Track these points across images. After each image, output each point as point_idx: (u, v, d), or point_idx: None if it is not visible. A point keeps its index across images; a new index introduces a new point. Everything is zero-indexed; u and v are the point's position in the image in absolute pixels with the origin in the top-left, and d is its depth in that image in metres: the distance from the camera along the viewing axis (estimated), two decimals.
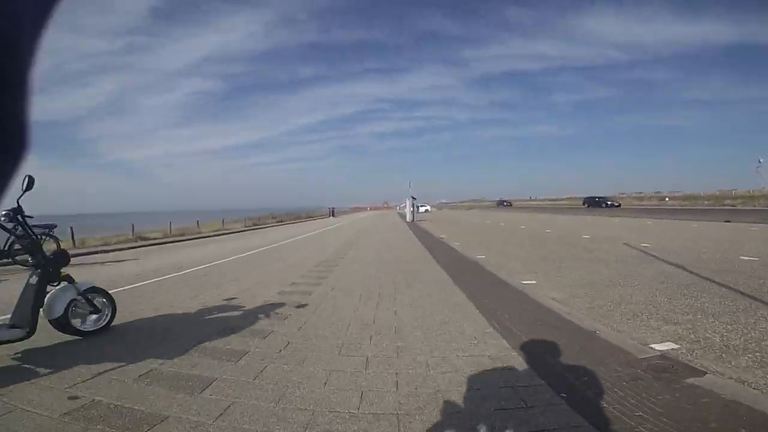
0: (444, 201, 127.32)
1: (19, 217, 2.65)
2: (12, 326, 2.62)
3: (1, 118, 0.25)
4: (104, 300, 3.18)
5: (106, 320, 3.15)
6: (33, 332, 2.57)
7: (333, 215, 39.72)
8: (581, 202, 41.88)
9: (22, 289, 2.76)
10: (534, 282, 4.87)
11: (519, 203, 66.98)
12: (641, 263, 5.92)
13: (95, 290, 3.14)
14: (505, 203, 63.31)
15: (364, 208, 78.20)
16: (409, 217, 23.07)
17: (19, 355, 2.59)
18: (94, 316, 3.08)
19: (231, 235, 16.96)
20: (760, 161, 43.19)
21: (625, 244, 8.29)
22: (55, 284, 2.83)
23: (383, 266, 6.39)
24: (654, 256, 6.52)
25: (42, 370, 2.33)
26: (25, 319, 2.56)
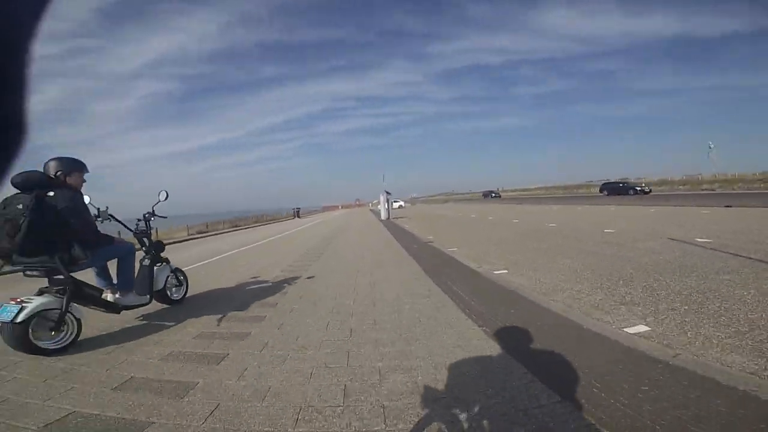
0: (415, 195, 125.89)
1: (148, 216, 3.80)
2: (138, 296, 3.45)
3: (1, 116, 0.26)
4: (182, 277, 4.16)
5: (184, 292, 4.16)
6: (151, 300, 3.53)
7: (298, 216, 36.08)
8: (598, 190, 35.65)
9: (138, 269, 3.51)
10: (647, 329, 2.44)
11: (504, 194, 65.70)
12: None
13: (178, 270, 4.11)
14: (493, 194, 58.92)
15: (336, 207, 75.30)
16: (384, 215, 20.33)
17: (141, 317, 3.53)
18: (177, 288, 4.09)
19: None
20: (710, 147, 44.22)
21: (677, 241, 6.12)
22: (158, 264, 3.72)
23: (362, 314, 3.28)
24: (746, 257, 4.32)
25: (153, 325, 3.30)
26: (145, 291, 3.44)
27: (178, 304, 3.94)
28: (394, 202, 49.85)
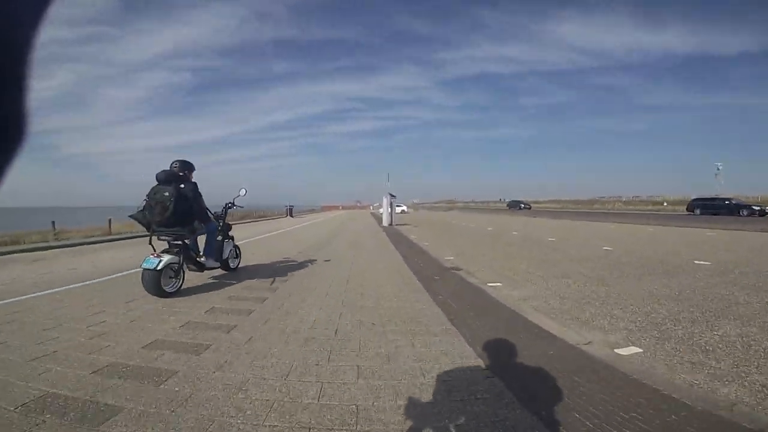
0: (417, 201, 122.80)
1: (229, 206, 5.30)
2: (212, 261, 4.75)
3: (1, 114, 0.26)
4: (239, 251, 5.63)
5: (238, 263, 5.61)
6: (221, 266, 4.95)
7: (291, 215, 32.79)
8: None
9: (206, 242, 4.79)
10: None
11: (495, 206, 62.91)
12: None
13: (237, 246, 5.54)
14: (522, 205, 47.95)
15: (335, 207, 71.76)
16: (386, 220, 17.62)
17: (212, 277, 4.98)
18: (234, 260, 5.46)
19: (117, 243, 10.83)
20: (718, 169, 44.97)
21: None
22: (225, 240, 5.03)
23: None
24: None
25: (221, 282, 4.73)
26: (218, 258, 4.81)
27: (233, 271, 5.42)
28: (397, 206, 46.12)
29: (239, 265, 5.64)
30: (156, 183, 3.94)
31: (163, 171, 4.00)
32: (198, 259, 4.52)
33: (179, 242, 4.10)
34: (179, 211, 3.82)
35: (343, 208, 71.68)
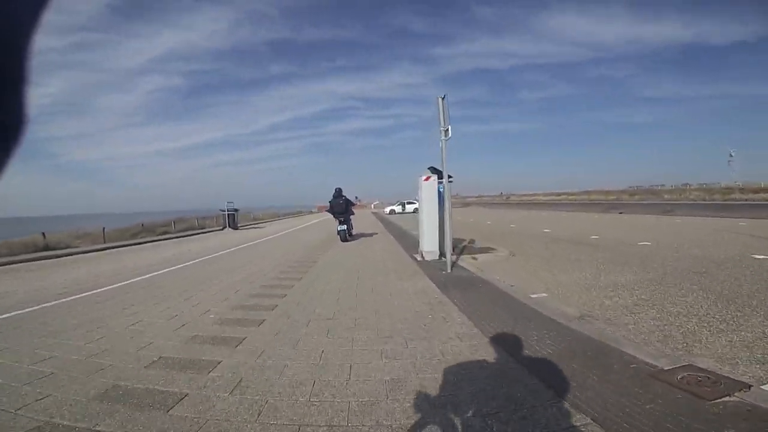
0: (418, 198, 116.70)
1: (351, 203, 11.98)
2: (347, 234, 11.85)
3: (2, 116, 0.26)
4: (353, 229, 12.82)
5: (352, 236, 12.50)
6: (344, 240, 11.51)
7: (233, 226, 20.69)
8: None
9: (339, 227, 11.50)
10: None
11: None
12: None
13: (351, 226, 12.49)
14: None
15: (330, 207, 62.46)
16: (429, 243, 7.63)
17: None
18: (351, 236, 12.33)
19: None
20: (731, 155, 43.35)
21: None
22: (347, 223, 11.82)
23: None
24: None
25: (349, 244, 11.18)
26: (348, 234, 11.89)
27: (353, 239, 11.94)
28: (408, 203, 36.80)
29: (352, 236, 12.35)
30: (333, 197, 11.30)
31: (336, 190, 11.34)
32: (348, 231, 11.88)
33: (345, 221, 11.53)
34: (346, 210, 11.38)
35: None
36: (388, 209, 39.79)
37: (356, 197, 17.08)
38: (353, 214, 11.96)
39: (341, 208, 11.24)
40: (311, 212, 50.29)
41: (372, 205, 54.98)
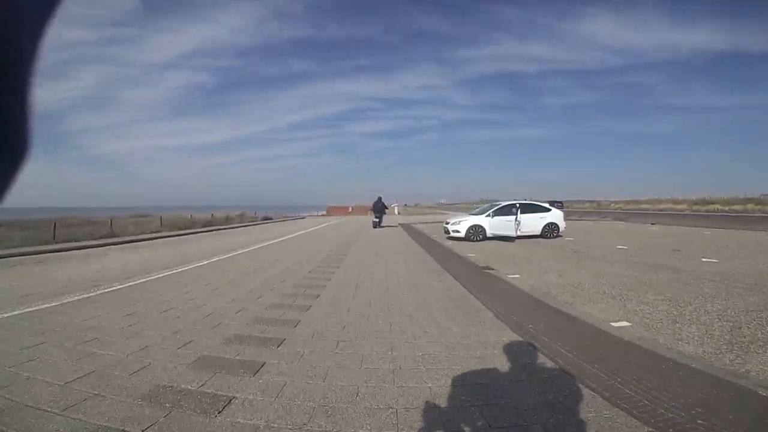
0: (443, 201, 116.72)
1: (381, 207, 21.28)
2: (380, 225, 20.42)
3: (3, 119, 0.26)
4: (380, 222, 20.72)
5: (384, 226, 20.83)
6: (376, 227, 19.97)
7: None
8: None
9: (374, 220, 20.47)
10: None
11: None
12: None
13: (377, 221, 20.52)
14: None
15: (344, 209, 46.18)
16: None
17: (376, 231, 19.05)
18: (380, 226, 20.26)
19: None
20: None
21: None
22: (379, 217, 20.66)
23: None
24: None
25: (378, 230, 19.27)
26: (379, 224, 20.38)
27: (380, 228, 19.79)
28: (513, 210, 19.75)
29: (381, 227, 19.71)
30: (376, 200, 20.47)
31: (378, 197, 20.48)
32: (380, 224, 19.96)
33: (379, 217, 20.18)
34: (382, 210, 20.47)
35: (354, 209, 44.55)
36: (450, 225, 13.72)
37: (395, 200, 27.44)
38: (386, 213, 21.47)
39: (379, 208, 20.45)
40: (316, 215, 41.44)
41: (396, 209, 40.28)
